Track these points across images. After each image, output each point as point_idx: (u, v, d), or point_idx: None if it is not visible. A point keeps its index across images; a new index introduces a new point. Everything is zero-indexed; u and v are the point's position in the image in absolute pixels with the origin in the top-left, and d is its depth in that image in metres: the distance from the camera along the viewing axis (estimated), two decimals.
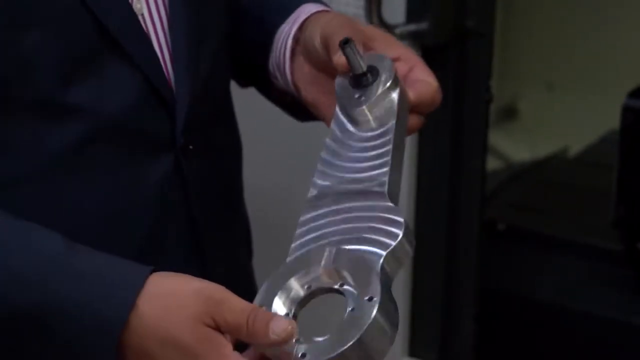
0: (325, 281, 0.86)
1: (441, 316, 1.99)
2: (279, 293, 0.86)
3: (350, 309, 0.83)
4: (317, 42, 1.01)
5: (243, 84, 1.19)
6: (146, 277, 0.86)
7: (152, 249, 1.00)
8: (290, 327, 0.82)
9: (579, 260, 2.08)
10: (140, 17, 0.97)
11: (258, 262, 1.19)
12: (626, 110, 1.94)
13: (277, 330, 0.82)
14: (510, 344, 2.05)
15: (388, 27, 1.72)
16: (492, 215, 2.16)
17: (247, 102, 1.21)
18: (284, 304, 0.86)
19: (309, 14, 1.06)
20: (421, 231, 1.93)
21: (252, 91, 1.19)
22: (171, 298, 0.85)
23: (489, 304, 2.00)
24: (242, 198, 1.15)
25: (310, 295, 0.86)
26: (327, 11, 1.07)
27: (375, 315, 0.82)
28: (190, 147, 1.00)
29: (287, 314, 0.85)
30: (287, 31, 1.06)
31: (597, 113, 2.48)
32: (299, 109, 1.10)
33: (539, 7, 2.70)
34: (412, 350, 1.99)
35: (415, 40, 1.76)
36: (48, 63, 0.92)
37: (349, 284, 0.85)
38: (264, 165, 1.87)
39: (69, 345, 0.87)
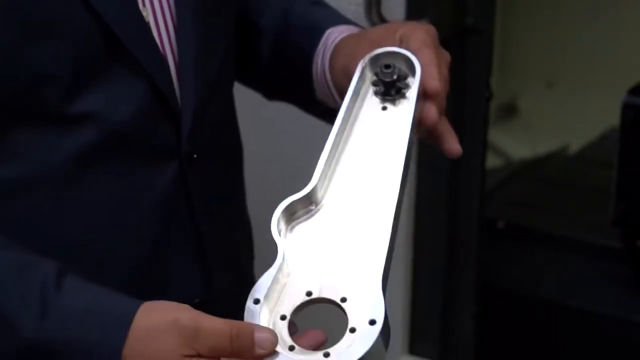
0: (328, 292, 0.86)
1: (441, 314, 1.99)
2: (282, 294, 0.86)
3: (349, 328, 0.83)
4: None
5: (269, 95, 1.20)
6: (134, 314, 0.85)
7: (156, 255, 1.00)
8: (273, 337, 0.82)
9: (578, 257, 2.08)
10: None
11: (259, 265, 1.19)
12: (626, 108, 1.93)
13: (263, 344, 0.82)
14: (509, 342, 2.05)
15: None
16: (492, 212, 2.16)
17: (247, 103, 1.21)
18: (284, 305, 0.86)
19: (333, 47, 1.07)
20: (421, 229, 1.93)
21: (252, 93, 1.19)
22: (148, 337, 0.84)
23: (488, 301, 2.00)
24: (244, 201, 1.15)
25: (310, 302, 0.86)
26: (350, 35, 1.07)
27: (376, 340, 0.81)
28: (195, 155, 1.00)
29: (283, 316, 0.85)
30: (321, 65, 1.07)
31: (597, 110, 2.47)
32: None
33: (538, 4, 2.70)
34: (412, 348, 1.99)
35: None
36: (59, 75, 0.92)
37: (350, 302, 0.85)
38: (264, 166, 1.87)
39: None
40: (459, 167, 1.91)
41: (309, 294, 0.86)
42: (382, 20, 1.71)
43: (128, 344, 0.84)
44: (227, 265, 1.07)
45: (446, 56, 1.01)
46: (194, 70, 1.00)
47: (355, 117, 0.96)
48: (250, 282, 1.16)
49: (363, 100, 0.97)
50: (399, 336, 1.96)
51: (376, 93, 0.97)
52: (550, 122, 2.69)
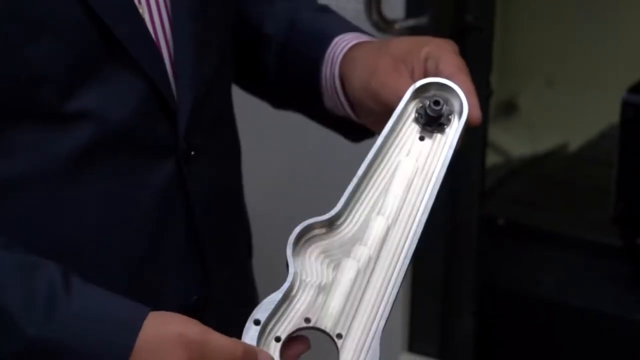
0: (326, 324, 0.86)
1: (440, 311, 1.99)
2: (282, 315, 0.86)
3: None
4: (371, 101, 1.02)
5: (276, 104, 1.19)
6: (144, 320, 0.85)
7: (154, 252, 1.00)
8: None
9: (578, 255, 2.07)
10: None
11: (257, 261, 1.19)
12: (626, 106, 1.93)
13: None
14: (509, 339, 2.05)
15: (387, 23, 1.72)
16: (492, 210, 2.15)
17: (245, 99, 1.21)
18: (282, 327, 0.86)
19: (342, 55, 1.06)
20: None
21: (250, 106, 1.19)
22: (154, 349, 0.84)
23: (488, 299, 2.00)
24: (242, 198, 1.15)
25: (306, 328, 0.86)
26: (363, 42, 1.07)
27: None
28: (192, 152, 1.00)
29: (278, 338, 0.85)
30: (330, 75, 1.07)
31: (597, 108, 2.47)
32: (350, 129, 1.11)
33: (538, 2, 2.70)
34: (412, 346, 1.99)
35: (415, 35, 1.76)
36: (55, 73, 0.92)
37: (346, 341, 0.85)
38: (263, 163, 1.87)
39: None
40: (458, 165, 1.91)
41: (307, 320, 0.87)
42: (382, 18, 1.71)
43: (134, 354, 0.84)
44: (224, 262, 1.07)
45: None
46: (190, 67, 1.00)
47: (391, 143, 0.96)
48: (248, 278, 1.16)
49: (402, 126, 0.96)
50: (399, 334, 1.96)
51: (417, 121, 0.96)
52: (550, 120, 2.68)
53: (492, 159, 2.39)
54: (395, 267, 0.89)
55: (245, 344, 0.83)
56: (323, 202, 0.94)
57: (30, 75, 0.91)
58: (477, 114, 0.96)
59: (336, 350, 0.85)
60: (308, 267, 0.89)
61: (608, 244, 2.04)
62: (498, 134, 2.54)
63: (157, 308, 0.88)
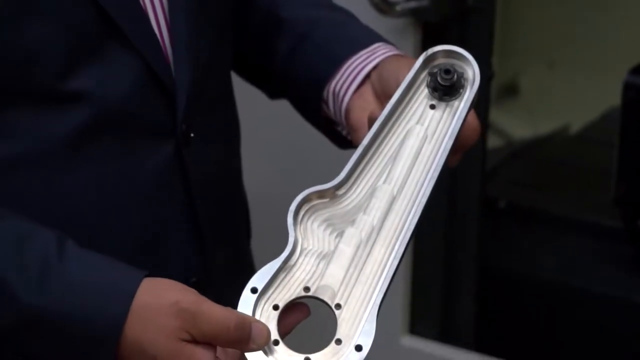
0: (325, 294, 0.86)
1: (441, 294, 1.99)
2: (280, 283, 0.86)
3: (336, 338, 0.83)
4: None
5: (274, 95, 1.19)
6: (138, 286, 0.86)
7: (152, 234, 1.00)
8: (267, 332, 0.83)
9: (579, 237, 2.08)
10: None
11: (255, 244, 1.19)
12: (627, 87, 1.93)
13: (257, 339, 0.83)
14: (510, 322, 2.05)
15: (389, 4, 1.71)
16: (493, 192, 2.15)
17: (244, 82, 1.21)
18: (280, 295, 0.85)
19: (385, 56, 1.05)
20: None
21: (249, 87, 1.19)
22: (147, 314, 0.85)
23: (489, 281, 2.00)
24: (240, 180, 1.15)
25: (305, 297, 0.86)
26: (401, 55, 1.06)
27: None
28: (191, 134, 1.00)
29: (276, 306, 0.85)
30: (360, 65, 1.06)
31: (598, 90, 2.47)
32: (335, 134, 1.11)
33: None
34: (413, 329, 1.99)
35: (416, 17, 1.75)
36: (50, 52, 0.92)
37: (344, 312, 0.85)
38: (261, 145, 1.87)
39: (62, 350, 0.87)
40: None
41: (306, 289, 0.86)
42: (383, 1, 1.71)
43: (128, 320, 0.84)
44: (223, 244, 1.07)
45: None
46: (187, 48, 0.99)
47: (401, 111, 0.95)
48: (246, 260, 1.16)
49: (413, 94, 0.95)
50: (400, 317, 1.96)
51: (428, 90, 0.95)
52: (552, 102, 2.68)
53: (493, 141, 2.38)
54: (397, 239, 0.88)
55: (239, 315, 0.83)
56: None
57: (26, 55, 0.91)
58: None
59: (335, 320, 0.85)
60: (310, 235, 0.89)
61: (609, 226, 2.04)
62: (499, 116, 2.54)
63: None
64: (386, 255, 0.88)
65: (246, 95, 1.22)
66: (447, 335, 2.00)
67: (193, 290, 0.86)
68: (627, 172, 1.94)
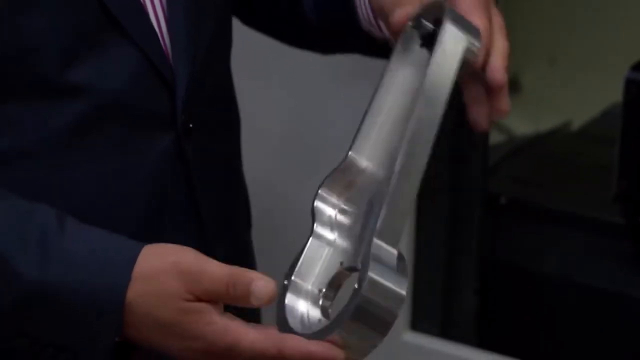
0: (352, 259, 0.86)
1: (443, 290, 1.99)
2: (318, 268, 0.86)
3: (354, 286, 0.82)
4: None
5: (323, 48, 1.18)
6: (139, 253, 0.86)
7: (153, 226, 1.00)
8: (271, 288, 0.83)
9: (581, 233, 2.08)
10: None
11: (256, 236, 1.19)
12: (629, 84, 1.93)
13: (259, 294, 0.82)
14: (511, 317, 2.05)
15: None
16: (495, 188, 2.15)
17: (244, 72, 1.21)
18: (317, 280, 0.86)
19: None
20: (423, 204, 1.93)
21: (249, 63, 1.19)
22: (148, 279, 0.85)
23: (491, 277, 2.01)
24: (241, 171, 1.15)
25: (343, 273, 0.86)
26: None
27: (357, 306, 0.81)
28: (191, 125, 1.00)
29: (320, 290, 0.85)
30: None
31: (600, 86, 2.47)
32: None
33: None
34: (414, 324, 2.00)
35: None
36: (49, 44, 0.92)
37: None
38: (261, 135, 1.87)
39: (66, 324, 0.87)
40: (461, 143, 1.91)
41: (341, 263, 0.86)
42: None
43: (131, 286, 0.85)
44: (224, 236, 1.07)
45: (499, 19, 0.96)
46: (186, 40, 1.00)
47: (398, 77, 0.93)
48: (247, 250, 1.17)
49: (407, 57, 0.93)
50: (401, 312, 1.96)
51: (424, 46, 0.93)
52: (553, 98, 2.68)
53: (494, 137, 2.38)
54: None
55: (237, 272, 0.84)
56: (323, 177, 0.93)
57: (25, 48, 0.91)
58: (498, 75, 0.92)
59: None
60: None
61: (610, 222, 2.04)
62: None
63: None
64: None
65: (246, 86, 1.22)
66: (448, 331, 2.00)
67: (192, 249, 0.87)
68: (628, 168, 1.94)
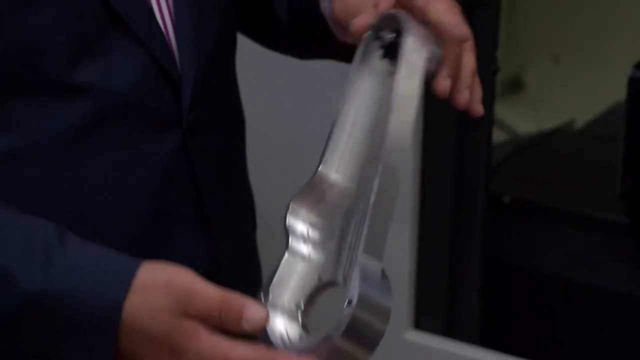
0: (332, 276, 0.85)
1: (446, 288, 1.99)
2: (293, 283, 0.86)
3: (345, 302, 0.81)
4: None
5: (302, 54, 1.19)
6: (135, 272, 0.87)
7: (159, 226, 1.01)
8: (263, 315, 0.83)
9: (584, 232, 2.08)
10: None
11: (260, 235, 1.19)
12: (632, 82, 1.93)
13: (252, 318, 0.83)
14: (514, 316, 2.05)
15: None
16: (498, 187, 2.15)
17: (249, 72, 1.21)
18: (294, 295, 0.85)
19: None
20: (427, 204, 1.93)
21: (252, 61, 1.19)
22: (144, 295, 0.86)
23: (494, 276, 2.01)
24: (245, 170, 1.15)
25: (321, 287, 0.86)
26: None
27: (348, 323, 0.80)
28: (197, 124, 1.00)
29: (298, 305, 0.85)
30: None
31: (603, 85, 2.47)
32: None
33: None
34: (417, 323, 2.00)
35: None
36: (55, 43, 0.92)
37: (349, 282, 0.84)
38: (265, 135, 1.87)
39: (63, 337, 0.88)
40: (465, 142, 1.91)
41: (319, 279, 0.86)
42: None
43: (128, 300, 0.85)
44: (230, 235, 1.07)
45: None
46: (192, 38, 1.00)
47: (361, 89, 0.93)
48: (253, 252, 1.17)
49: (368, 69, 0.94)
50: (404, 312, 1.96)
51: (384, 57, 0.93)
52: (557, 96, 2.68)
53: (498, 136, 2.38)
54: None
55: (230, 296, 0.84)
56: None
57: (31, 47, 0.91)
58: (459, 30, 0.95)
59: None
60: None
61: (614, 220, 2.04)
62: (504, 111, 2.54)
63: None
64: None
65: (251, 87, 1.22)
66: (451, 330, 2.00)
67: (187, 270, 0.87)
68: (632, 167, 1.94)
